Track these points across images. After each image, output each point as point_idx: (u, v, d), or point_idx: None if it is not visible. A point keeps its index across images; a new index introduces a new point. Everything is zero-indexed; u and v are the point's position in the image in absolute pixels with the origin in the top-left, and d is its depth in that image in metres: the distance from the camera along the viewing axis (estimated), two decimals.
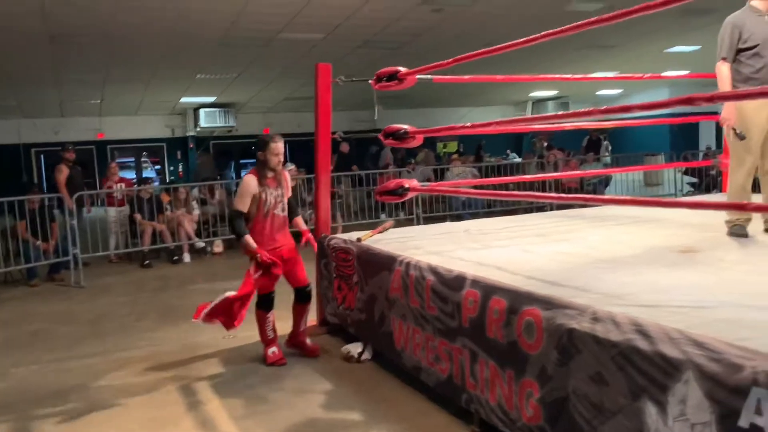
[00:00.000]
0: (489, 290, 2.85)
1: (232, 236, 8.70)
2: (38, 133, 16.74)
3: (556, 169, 11.25)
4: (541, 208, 9.07)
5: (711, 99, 2.26)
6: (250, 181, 4.05)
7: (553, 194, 3.56)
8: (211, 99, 16.39)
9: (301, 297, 4.28)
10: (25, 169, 16.92)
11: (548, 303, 2.52)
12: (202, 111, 17.04)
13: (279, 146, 4.09)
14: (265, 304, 4.12)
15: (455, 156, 10.71)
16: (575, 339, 2.32)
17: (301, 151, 15.67)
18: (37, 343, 4.86)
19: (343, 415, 3.26)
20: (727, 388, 1.78)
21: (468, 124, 3.82)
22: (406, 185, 4.43)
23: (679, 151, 13.48)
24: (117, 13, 7.93)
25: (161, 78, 13.13)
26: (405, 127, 4.42)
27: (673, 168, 12.11)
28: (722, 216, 3.85)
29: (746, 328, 2.05)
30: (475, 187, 6.39)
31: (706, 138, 17.82)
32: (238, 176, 17.41)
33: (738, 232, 3.79)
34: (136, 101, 15.94)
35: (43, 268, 7.30)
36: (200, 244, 8.37)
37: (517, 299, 2.67)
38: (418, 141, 4.50)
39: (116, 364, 4.24)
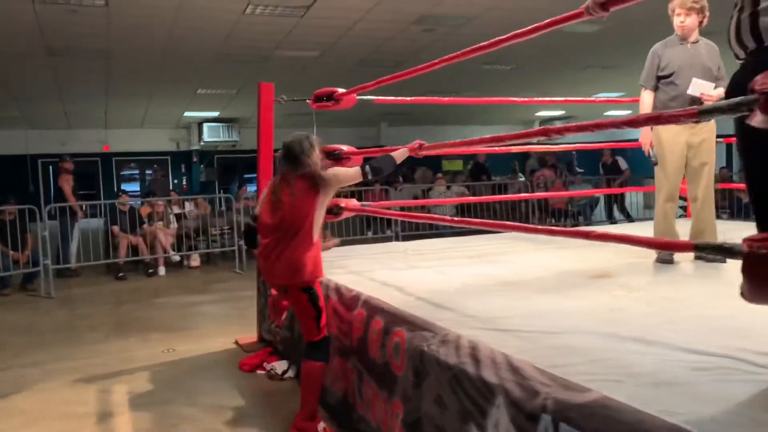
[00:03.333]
0: (372, 311, 2.88)
1: (208, 251, 9.01)
2: (46, 144, 17.10)
3: (545, 190, 11.21)
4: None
5: (560, 131, 2.27)
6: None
7: (454, 218, 3.57)
8: (214, 114, 16.64)
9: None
10: (32, 180, 17.27)
11: (412, 324, 2.54)
12: (205, 125, 17.31)
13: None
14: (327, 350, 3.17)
15: (439, 175, 10.73)
16: (425, 361, 2.33)
17: None
18: None
19: None
20: (525, 414, 1.79)
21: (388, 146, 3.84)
22: (342, 204, 4.48)
23: None
24: (111, 29, 8.14)
25: (163, 92, 13.40)
26: (342, 147, 4.47)
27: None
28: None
29: (577, 354, 2.06)
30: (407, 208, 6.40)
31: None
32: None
33: (664, 258, 3.78)
34: (141, 114, 16.24)
35: (18, 277, 7.46)
36: (175, 257, 8.49)
37: (391, 320, 2.69)
38: (355, 161, 4.54)
39: (49, 374, 4.31)
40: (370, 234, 11.02)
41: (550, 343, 2.20)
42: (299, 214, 3.07)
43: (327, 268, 3.95)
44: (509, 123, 21.46)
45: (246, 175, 20.03)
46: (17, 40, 8.67)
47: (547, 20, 2.34)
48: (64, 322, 5.89)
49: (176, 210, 10.03)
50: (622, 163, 11.71)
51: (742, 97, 1.53)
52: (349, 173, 3.27)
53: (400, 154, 3.43)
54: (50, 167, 17.72)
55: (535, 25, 2.44)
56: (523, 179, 14.71)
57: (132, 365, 4.46)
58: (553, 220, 10.85)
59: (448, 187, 11.23)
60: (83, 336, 5.33)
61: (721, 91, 3.56)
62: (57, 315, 6.22)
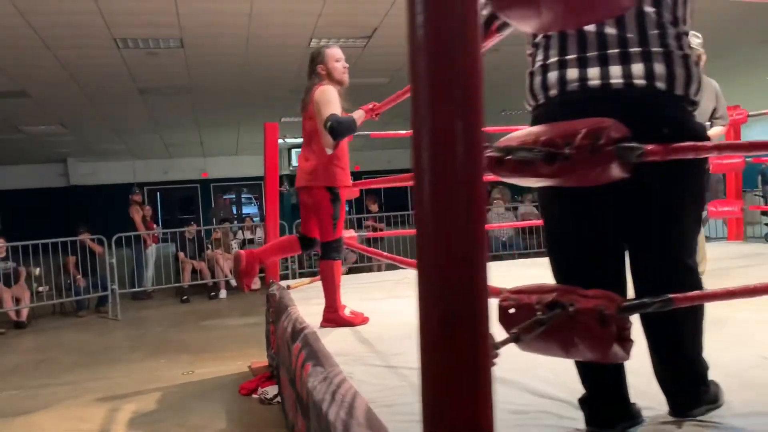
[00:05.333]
0: (303, 344, 3.02)
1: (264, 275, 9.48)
2: (150, 172, 18.50)
3: None
4: None
5: None
6: (332, 90, 3.23)
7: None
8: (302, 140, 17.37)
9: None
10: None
11: (316, 359, 2.66)
12: (293, 151, 18.03)
13: (337, 51, 3.37)
14: (340, 250, 3.48)
15: (498, 196, 10.57)
16: (309, 396, 2.45)
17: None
18: (36, 370, 5.54)
19: None
20: None
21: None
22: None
23: None
24: (189, 67, 8.86)
25: (249, 122, 14.22)
26: None
27: None
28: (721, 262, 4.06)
29: None
30: None
31: None
32: None
33: None
34: (234, 143, 17.23)
35: (95, 300, 8.21)
36: (233, 281, 8.98)
37: (307, 354, 2.82)
38: (351, 193, 4.70)
39: (78, 392, 4.76)
40: None
41: None
42: (308, 124, 3.38)
43: (307, 299, 4.14)
44: None
45: None
46: (111, 82, 9.62)
47: None
48: (116, 342, 6.45)
49: (248, 235, 10.60)
50: None
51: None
52: (323, 109, 3.16)
53: (358, 116, 3.39)
54: (157, 194, 19.22)
55: None
56: None
57: (150, 386, 4.83)
58: None
59: (515, 208, 11.07)
60: (123, 356, 5.81)
61: (717, 130, 3.78)
62: (113, 336, 6.81)
